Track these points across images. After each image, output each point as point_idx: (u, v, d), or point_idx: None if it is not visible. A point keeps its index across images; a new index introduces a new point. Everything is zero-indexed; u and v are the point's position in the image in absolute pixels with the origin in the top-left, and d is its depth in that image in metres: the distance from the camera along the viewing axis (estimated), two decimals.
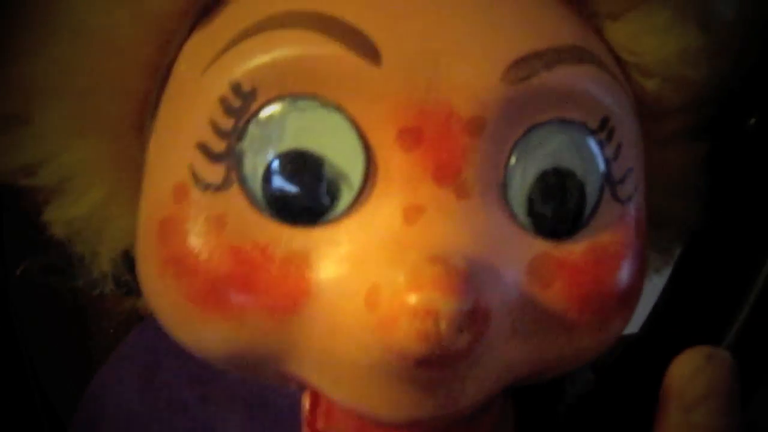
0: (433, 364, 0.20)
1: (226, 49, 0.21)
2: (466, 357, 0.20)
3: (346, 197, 0.21)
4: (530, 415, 0.31)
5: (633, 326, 0.31)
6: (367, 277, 0.20)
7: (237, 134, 0.21)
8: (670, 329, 0.30)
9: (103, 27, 0.23)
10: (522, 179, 0.22)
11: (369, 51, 0.20)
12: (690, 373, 0.22)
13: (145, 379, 0.33)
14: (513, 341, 0.22)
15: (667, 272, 0.31)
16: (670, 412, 0.22)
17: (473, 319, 0.19)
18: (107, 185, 0.25)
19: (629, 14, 0.23)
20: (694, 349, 0.23)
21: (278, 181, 0.21)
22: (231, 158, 0.21)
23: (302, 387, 0.24)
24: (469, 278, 0.20)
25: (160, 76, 0.24)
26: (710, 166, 0.28)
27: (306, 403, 0.24)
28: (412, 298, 0.19)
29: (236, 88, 0.21)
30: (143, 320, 0.38)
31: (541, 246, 0.22)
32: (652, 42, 0.23)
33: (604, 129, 0.23)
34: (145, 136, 0.25)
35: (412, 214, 0.21)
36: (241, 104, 0.21)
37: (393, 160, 0.21)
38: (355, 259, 0.21)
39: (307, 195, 0.21)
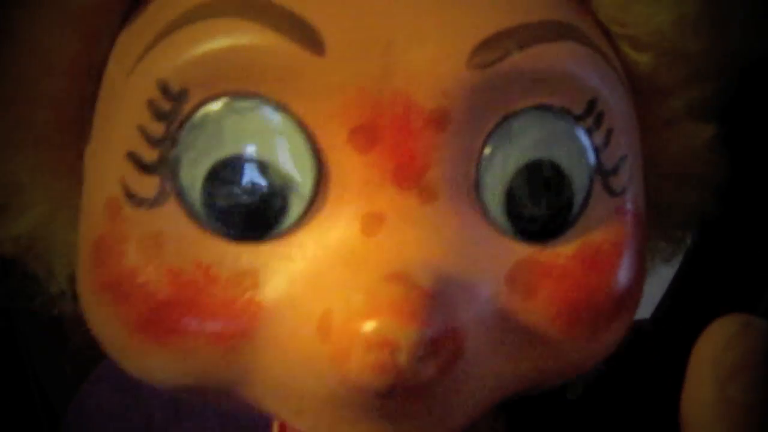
0: (397, 396, 0.17)
1: (152, 44, 0.19)
2: (434, 387, 0.17)
3: (296, 207, 0.19)
4: (540, 404, 0.29)
5: (644, 312, 0.29)
6: (320, 299, 0.18)
7: (170, 141, 0.19)
8: (683, 315, 0.27)
9: (22, 28, 0.20)
10: (497, 176, 0.19)
11: (310, 39, 0.18)
12: (725, 341, 0.19)
13: (122, 398, 0.31)
14: (497, 357, 0.20)
15: (676, 259, 0.28)
16: (704, 387, 0.19)
17: (439, 346, 0.17)
18: (49, 199, 0.23)
19: None
20: (729, 316, 0.20)
21: (219, 192, 0.19)
22: (165, 168, 0.19)
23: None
24: (435, 298, 0.17)
25: (92, 78, 0.21)
26: (724, 151, 0.25)
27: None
28: (366, 326, 0.16)
29: (164, 89, 0.19)
30: None
31: (522, 251, 0.20)
32: (643, 10, 0.21)
33: (591, 113, 0.20)
34: (84, 144, 0.22)
35: (370, 223, 0.18)
36: (172, 107, 0.19)
37: (347, 163, 0.19)
38: (308, 278, 0.18)
39: (252, 206, 0.19)
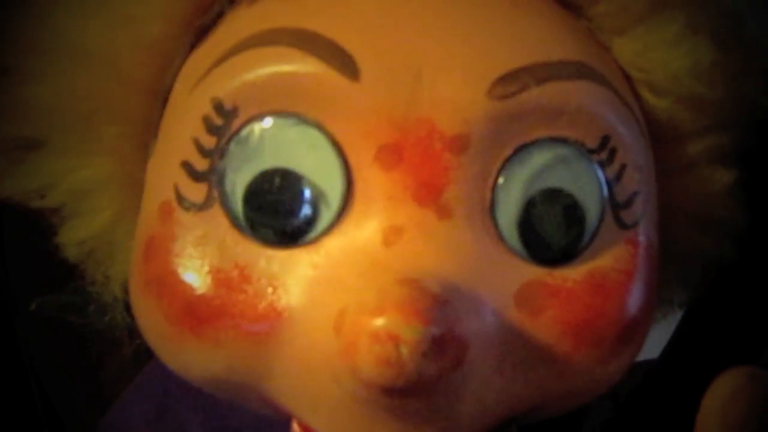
0: (402, 393, 0.18)
1: (211, 68, 0.22)
2: (437, 387, 0.19)
3: (325, 217, 0.21)
4: None
5: (653, 352, 0.29)
6: (338, 300, 0.19)
7: (219, 153, 0.21)
8: (691, 356, 0.28)
9: (102, 51, 0.23)
10: (511, 201, 0.21)
11: (348, 67, 0.20)
12: (732, 392, 0.21)
13: (155, 414, 0.33)
14: (502, 374, 0.21)
15: None
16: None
17: (443, 347, 0.18)
18: (115, 206, 0.26)
19: (636, 29, 0.22)
20: (735, 369, 0.21)
21: (257, 201, 0.21)
22: (213, 177, 0.21)
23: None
24: (442, 303, 0.18)
25: (160, 98, 0.24)
26: (742, 198, 0.26)
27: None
28: (374, 321, 0.18)
29: (218, 107, 0.21)
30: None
31: (532, 272, 0.21)
32: (661, 57, 0.22)
33: (605, 149, 0.21)
34: (147, 158, 0.25)
35: (391, 235, 0.20)
36: (223, 122, 0.21)
37: (373, 179, 0.20)
38: (330, 281, 0.20)
39: (286, 215, 0.21)
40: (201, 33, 0.23)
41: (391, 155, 0.20)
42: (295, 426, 0.23)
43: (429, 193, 0.20)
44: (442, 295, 0.19)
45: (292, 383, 0.21)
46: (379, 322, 0.18)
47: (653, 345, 0.29)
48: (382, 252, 0.20)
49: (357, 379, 0.18)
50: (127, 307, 0.29)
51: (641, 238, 0.22)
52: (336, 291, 0.20)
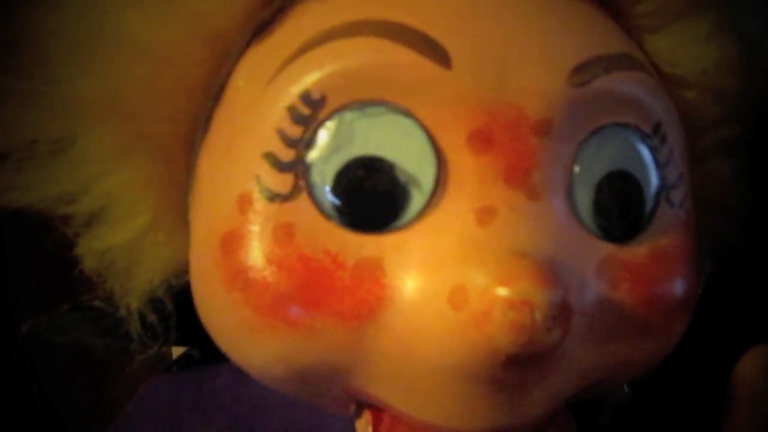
0: (523, 362, 0.19)
1: (291, 59, 0.22)
2: (553, 354, 0.20)
3: (417, 202, 0.21)
4: None
5: None
6: (447, 278, 0.20)
7: (305, 143, 0.21)
8: (705, 341, 0.30)
9: (159, 45, 0.23)
10: (587, 182, 0.22)
11: (440, 55, 0.21)
12: (760, 366, 0.23)
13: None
14: (587, 345, 0.22)
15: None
16: (742, 405, 0.23)
17: (565, 312, 0.19)
18: (152, 209, 0.25)
19: (670, 27, 0.24)
20: (761, 346, 0.23)
21: (348, 189, 0.21)
22: (299, 167, 0.21)
23: (359, 408, 0.23)
24: (557, 272, 0.19)
25: (212, 94, 0.24)
26: (750, 183, 0.28)
27: (368, 424, 0.23)
28: (504, 291, 0.18)
29: (305, 97, 0.21)
30: (153, 375, 0.36)
31: (606, 248, 0.22)
32: (692, 53, 0.24)
33: (658, 134, 0.23)
34: (193, 157, 0.24)
35: (484, 215, 0.21)
36: (310, 112, 0.21)
37: (464, 162, 0.21)
38: (431, 262, 0.21)
39: (377, 201, 0.21)
40: (260, 28, 0.23)
41: (482, 139, 0.21)
42: (366, 416, 0.23)
43: (519, 175, 0.21)
44: (552, 266, 0.20)
45: (389, 367, 0.21)
46: (513, 289, 0.18)
47: None
48: (478, 232, 0.21)
49: (481, 350, 0.19)
50: (142, 320, 0.28)
51: (687, 216, 0.24)
52: (440, 270, 0.20)
